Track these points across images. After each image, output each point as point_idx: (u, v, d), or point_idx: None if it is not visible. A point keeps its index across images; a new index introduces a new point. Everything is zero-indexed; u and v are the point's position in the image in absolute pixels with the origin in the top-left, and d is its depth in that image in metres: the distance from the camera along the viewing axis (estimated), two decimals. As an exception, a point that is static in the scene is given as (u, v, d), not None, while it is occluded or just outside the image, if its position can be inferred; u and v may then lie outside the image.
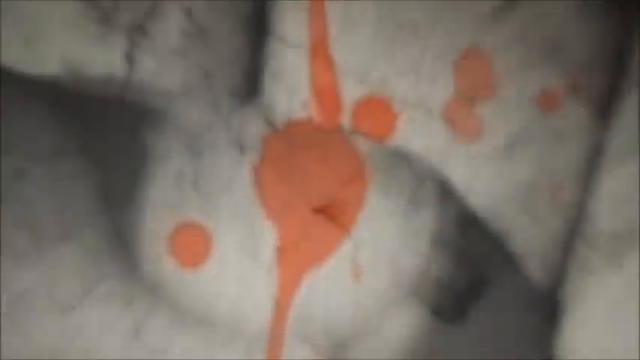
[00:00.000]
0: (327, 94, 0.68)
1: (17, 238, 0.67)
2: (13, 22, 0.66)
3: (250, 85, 0.69)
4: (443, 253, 0.70)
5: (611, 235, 0.67)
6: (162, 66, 0.67)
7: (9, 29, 0.66)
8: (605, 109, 0.67)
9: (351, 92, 0.67)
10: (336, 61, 0.67)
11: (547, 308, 0.69)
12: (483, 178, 0.68)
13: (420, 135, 0.68)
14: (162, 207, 0.68)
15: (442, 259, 0.70)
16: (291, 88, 0.68)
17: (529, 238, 0.68)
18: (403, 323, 0.69)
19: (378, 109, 0.68)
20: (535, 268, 0.68)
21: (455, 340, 0.70)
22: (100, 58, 0.66)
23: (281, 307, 0.70)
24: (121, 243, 0.69)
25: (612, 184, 0.67)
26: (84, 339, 0.68)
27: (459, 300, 0.71)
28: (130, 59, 0.67)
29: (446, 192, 0.69)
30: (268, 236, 0.69)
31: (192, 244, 0.69)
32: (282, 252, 0.70)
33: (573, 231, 0.68)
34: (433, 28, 0.67)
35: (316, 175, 0.69)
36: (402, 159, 0.68)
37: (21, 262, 0.67)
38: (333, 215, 0.70)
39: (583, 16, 0.69)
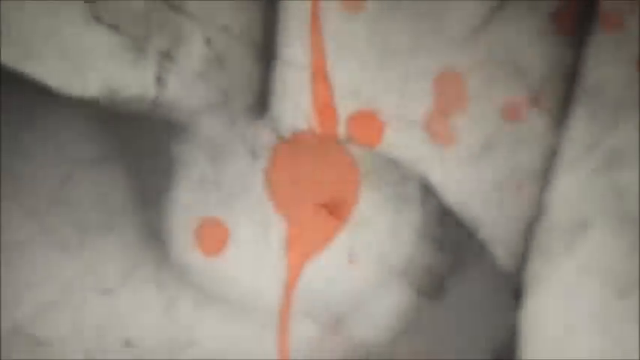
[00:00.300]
0: (325, 109, 0.72)
1: (66, 232, 0.72)
2: (61, 52, 0.70)
3: (261, 102, 0.73)
4: (425, 240, 0.73)
5: (565, 226, 0.70)
6: (187, 87, 0.72)
7: (57, 58, 0.70)
8: (560, 118, 0.71)
9: (345, 107, 0.72)
10: (332, 81, 0.71)
11: (512, 287, 0.72)
12: (457, 178, 0.72)
13: (403, 143, 0.72)
14: (188, 205, 0.73)
15: (424, 246, 0.73)
16: (295, 104, 0.72)
17: (496, 228, 0.72)
18: (392, 301, 0.74)
19: (367, 121, 0.72)
20: (501, 253, 0.72)
21: (435, 314, 0.74)
22: (134, 81, 0.71)
23: (288, 288, 0.74)
24: (154, 235, 0.73)
25: (566, 182, 0.71)
26: (123, 317, 0.73)
27: (438, 280, 0.74)
28: (159, 82, 0.71)
29: (426, 190, 0.73)
30: (278, 228, 0.73)
31: (214, 235, 0.73)
32: (289, 241, 0.73)
33: (533, 222, 0.72)
34: (414, 52, 0.70)
35: (317, 177, 0.73)
36: (389, 162, 0.72)
37: (69, 253, 0.72)
38: (332, 210, 0.73)
39: (541, 39, 0.72)
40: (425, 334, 0.75)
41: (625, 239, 0.69)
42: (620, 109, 0.70)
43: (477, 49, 0.71)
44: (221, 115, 0.73)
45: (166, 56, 0.71)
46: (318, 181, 0.74)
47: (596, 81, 0.70)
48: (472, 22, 0.71)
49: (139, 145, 0.74)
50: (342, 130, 0.73)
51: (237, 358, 0.74)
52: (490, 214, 0.72)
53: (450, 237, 0.74)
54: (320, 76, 0.72)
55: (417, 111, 0.72)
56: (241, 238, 0.73)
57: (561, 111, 0.72)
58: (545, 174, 0.72)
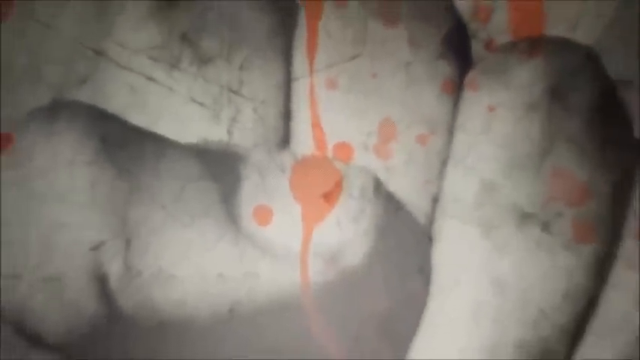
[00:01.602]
0: (320, 143, 0.82)
1: (184, 217, 0.80)
2: (173, 119, 0.81)
3: (285, 141, 0.82)
4: (378, 212, 0.81)
5: (451, 200, 0.80)
6: (245, 136, 0.82)
7: (172, 123, 0.81)
8: (448, 142, 0.81)
9: (331, 141, 0.82)
10: (323, 128, 0.82)
11: (428, 235, 0.81)
12: (394, 178, 0.81)
13: (364, 159, 0.81)
14: (249, 199, 0.81)
15: (379, 215, 0.81)
16: (304, 141, 0.82)
17: (416, 203, 0.81)
18: (361, 246, 0.81)
19: (344, 148, 0.82)
20: (421, 216, 0.81)
21: (386, 250, 0.81)
22: (215, 134, 0.81)
23: (305, 242, 0.81)
24: (232, 217, 0.81)
25: (452, 176, 0.80)
26: (217, 262, 0.80)
27: (387, 233, 0.81)
28: (229, 133, 0.81)
29: (378, 185, 0.82)
30: (297, 210, 0.81)
31: (264, 215, 0.81)
32: (303, 217, 0.81)
33: (436, 199, 0.81)
34: (367, 109, 0.81)
35: (318, 180, 0.82)
36: (357, 170, 0.82)
37: (186, 229, 0.80)
38: (327, 198, 0.81)
39: (437, 97, 0.80)
40: (380, 261, 0.81)
41: (485, 205, 0.79)
42: (480, 135, 0.79)
43: (401, 106, 0.81)
44: (263, 149, 0.82)
45: (232, 120, 0.82)
46: (318, 182, 0.82)
47: (466, 119, 0.80)
48: (398, 92, 0.81)
49: (221, 168, 0.81)
50: (330, 153, 0.82)
51: (278, 285, 0.80)
52: (413, 195, 0.81)
53: (392, 209, 0.81)
54: (317, 125, 0.82)
55: (370, 142, 0.81)
56: (278, 215, 0.81)
57: (448, 138, 0.81)
58: (441, 172, 0.81)
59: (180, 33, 0.80)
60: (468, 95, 0.80)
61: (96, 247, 0.78)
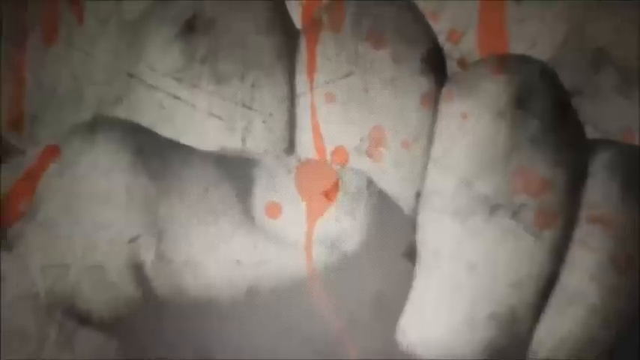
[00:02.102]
0: (320, 148, 0.85)
1: (206, 216, 0.84)
2: (195, 130, 0.84)
3: (291, 147, 0.86)
4: (371, 207, 0.84)
5: (431, 196, 0.83)
6: (256, 143, 0.85)
7: (194, 134, 0.84)
8: (428, 149, 0.83)
9: (329, 147, 0.84)
10: (323, 136, 0.84)
11: (413, 224, 0.84)
12: (384, 178, 0.85)
13: (358, 162, 0.84)
14: (261, 197, 0.84)
15: (370, 209, 0.85)
16: (306, 147, 0.85)
17: (402, 197, 0.84)
18: (358, 235, 0.85)
19: (341, 152, 0.85)
20: (407, 210, 0.85)
21: (382, 238, 0.84)
22: (230, 141, 0.84)
23: (309, 234, 0.84)
24: (247, 213, 0.84)
25: (432, 175, 0.83)
26: (234, 251, 0.83)
27: (378, 224, 0.84)
28: (243, 141, 0.84)
29: (370, 183, 0.84)
30: (302, 206, 0.84)
31: (274, 210, 0.84)
32: (307, 212, 0.84)
33: (418, 194, 0.84)
34: (360, 120, 0.84)
35: (318, 180, 0.85)
36: (352, 172, 0.85)
37: (208, 226, 0.84)
38: (327, 196, 0.85)
39: (415, 110, 0.82)
40: (372, 248, 0.84)
41: (460, 199, 0.81)
42: (455, 139, 0.81)
43: (389, 116, 0.84)
44: (272, 154, 0.85)
45: (245, 129, 0.85)
46: (319, 182, 0.85)
47: (443, 126, 0.82)
48: (386, 104, 0.83)
49: (236, 171, 0.84)
50: (328, 157, 0.85)
51: (287, 269, 0.82)
52: (400, 192, 0.85)
53: (382, 203, 0.84)
54: (317, 133, 0.84)
55: (364, 146, 0.84)
56: (286, 211, 0.84)
57: (428, 145, 0.84)
58: (423, 172, 0.84)
59: (199, 57, 0.83)
60: (444, 105, 0.82)
61: (133, 240, 0.82)
